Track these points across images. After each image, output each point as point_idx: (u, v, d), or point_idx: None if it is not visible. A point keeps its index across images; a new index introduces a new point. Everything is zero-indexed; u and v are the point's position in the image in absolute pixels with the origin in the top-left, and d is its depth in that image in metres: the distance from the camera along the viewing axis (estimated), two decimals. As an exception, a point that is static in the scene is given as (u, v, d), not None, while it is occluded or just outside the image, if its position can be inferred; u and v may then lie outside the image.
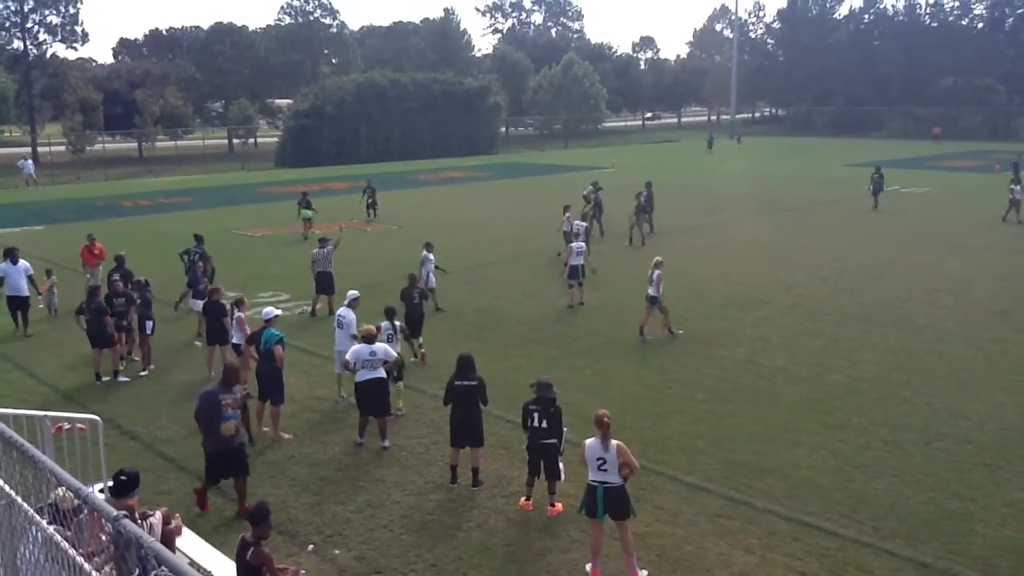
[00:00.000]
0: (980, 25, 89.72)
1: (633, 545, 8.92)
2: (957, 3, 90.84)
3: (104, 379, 15.07)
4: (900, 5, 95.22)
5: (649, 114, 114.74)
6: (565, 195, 30.74)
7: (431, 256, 19.24)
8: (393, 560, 9.29)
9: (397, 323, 13.95)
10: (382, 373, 12.08)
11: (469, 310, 19.71)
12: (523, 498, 10.46)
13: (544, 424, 10.02)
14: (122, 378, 15.14)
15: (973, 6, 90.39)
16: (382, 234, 30.18)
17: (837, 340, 17.08)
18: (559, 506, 10.26)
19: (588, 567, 8.98)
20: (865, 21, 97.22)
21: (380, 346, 12.23)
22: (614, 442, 8.79)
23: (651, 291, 17.11)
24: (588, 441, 8.90)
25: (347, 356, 12.30)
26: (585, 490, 8.96)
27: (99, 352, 15.13)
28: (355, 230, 29.74)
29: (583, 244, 20.71)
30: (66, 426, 9.44)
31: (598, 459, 8.78)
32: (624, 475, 8.79)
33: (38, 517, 5.65)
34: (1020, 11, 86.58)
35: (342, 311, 14.16)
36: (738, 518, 10.06)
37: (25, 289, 18.08)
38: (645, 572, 8.90)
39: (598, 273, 21.58)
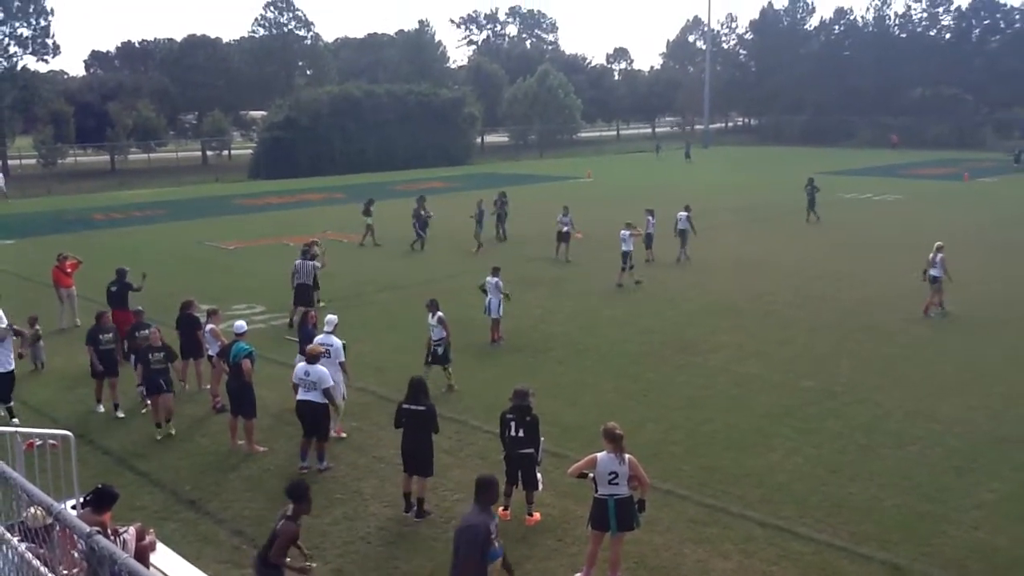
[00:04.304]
0: (948, 36, 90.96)
1: (621, 559, 8.92)
2: (925, 14, 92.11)
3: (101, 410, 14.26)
4: (870, 16, 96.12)
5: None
6: (543, 204, 30.84)
7: (491, 279, 17.68)
8: (370, 572, 9.26)
9: (440, 313, 14.85)
10: (318, 396, 11.58)
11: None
12: (501, 508, 10.44)
13: (520, 433, 10.02)
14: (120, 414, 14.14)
15: (941, 17, 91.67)
16: (358, 246, 30.06)
17: (810, 347, 17.24)
18: (537, 516, 10.26)
19: None
20: (836, 32, 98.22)
21: (318, 369, 11.67)
22: (627, 456, 8.71)
23: (933, 272, 19.31)
24: (599, 455, 8.71)
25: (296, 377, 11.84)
26: (593, 505, 8.78)
27: (99, 382, 14.25)
28: (334, 242, 29.63)
29: (627, 233, 23.01)
30: (38, 442, 9.33)
31: (610, 473, 8.62)
32: (633, 487, 8.73)
33: (9, 535, 5.59)
34: (987, 22, 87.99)
35: (324, 339, 12.96)
36: (715, 524, 10.11)
37: (11, 361, 13.64)
38: (623, 580, 8.92)
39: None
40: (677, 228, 26.64)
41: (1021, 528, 9.89)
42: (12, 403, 13.54)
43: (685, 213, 26.80)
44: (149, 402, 13.65)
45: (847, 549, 9.50)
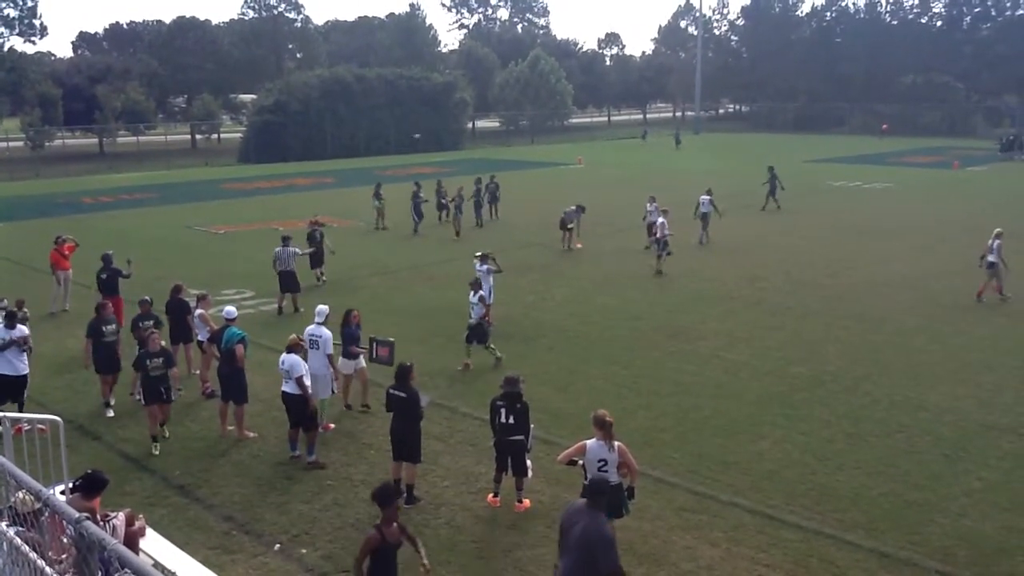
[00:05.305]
0: (939, 23, 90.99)
1: None
2: (917, 1, 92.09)
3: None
4: (861, 3, 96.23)
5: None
6: (530, 191, 30.78)
7: (480, 267, 17.59)
8: (360, 558, 9.25)
9: (481, 292, 15.55)
10: (292, 388, 11.47)
11: (435, 307, 19.65)
12: (490, 495, 10.46)
13: (511, 420, 10.02)
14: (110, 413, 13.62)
15: (932, 4, 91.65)
16: (349, 231, 29.97)
17: (800, 334, 17.29)
18: (526, 502, 10.28)
19: None
20: (827, 19, 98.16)
21: (290, 358, 11.52)
22: (617, 443, 8.73)
23: (991, 258, 19.36)
24: (589, 443, 8.74)
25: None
26: (582, 492, 8.80)
27: (105, 380, 13.72)
28: (325, 227, 29.50)
29: (664, 220, 23.19)
30: (26, 427, 9.28)
31: (600, 460, 8.64)
32: (623, 474, 8.75)
33: (-3, 520, 5.56)
34: (977, 10, 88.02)
35: (314, 329, 12.62)
36: (704, 512, 10.16)
37: (25, 366, 13.00)
38: (612, 567, 8.94)
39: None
40: (699, 211, 27.18)
41: (1008, 516, 9.97)
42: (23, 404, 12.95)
43: (708, 197, 27.14)
44: (147, 411, 12.55)
45: (835, 537, 9.56)
